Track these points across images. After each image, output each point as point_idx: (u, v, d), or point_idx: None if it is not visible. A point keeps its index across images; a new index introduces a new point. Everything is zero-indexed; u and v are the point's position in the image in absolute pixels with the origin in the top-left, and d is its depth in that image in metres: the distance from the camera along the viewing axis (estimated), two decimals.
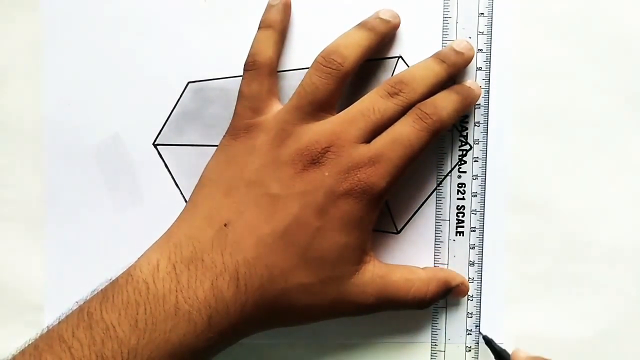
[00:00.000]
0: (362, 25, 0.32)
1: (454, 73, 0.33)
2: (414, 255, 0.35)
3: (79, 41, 0.34)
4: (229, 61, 0.34)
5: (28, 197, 0.35)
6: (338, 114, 0.31)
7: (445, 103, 0.31)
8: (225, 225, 0.30)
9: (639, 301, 0.35)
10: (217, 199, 0.31)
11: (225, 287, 0.28)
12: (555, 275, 0.35)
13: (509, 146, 0.35)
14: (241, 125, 0.32)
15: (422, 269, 0.34)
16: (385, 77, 0.34)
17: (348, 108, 0.31)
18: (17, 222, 0.35)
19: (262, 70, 0.32)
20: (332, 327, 0.34)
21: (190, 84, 0.35)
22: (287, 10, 0.34)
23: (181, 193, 0.35)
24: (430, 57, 0.33)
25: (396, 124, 0.31)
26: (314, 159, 0.30)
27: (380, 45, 0.33)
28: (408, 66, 0.34)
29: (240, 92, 0.32)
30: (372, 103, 0.31)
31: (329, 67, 0.31)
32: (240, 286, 0.29)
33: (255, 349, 0.35)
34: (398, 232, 0.35)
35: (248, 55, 0.33)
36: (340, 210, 0.30)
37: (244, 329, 0.30)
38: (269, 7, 0.34)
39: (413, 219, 0.35)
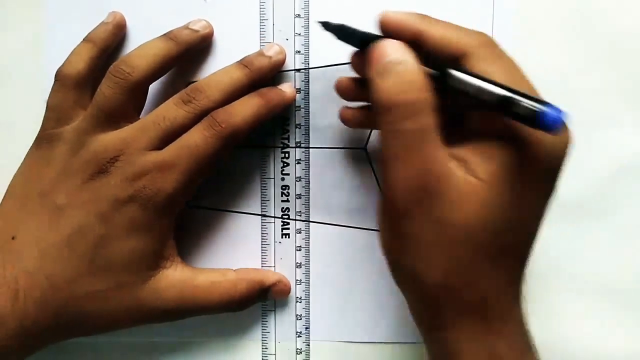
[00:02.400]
0: (165, 34, 0.33)
1: (258, 77, 0.32)
2: None
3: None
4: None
5: None
6: (134, 123, 0.31)
7: (241, 109, 0.31)
8: (12, 238, 0.30)
9: None
10: (12, 211, 0.31)
11: (3, 301, 0.28)
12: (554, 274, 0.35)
13: None
14: (44, 136, 0.32)
15: (235, 270, 0.33)
16: None
17: (145, 116, 0.31)
18: None
19: (67, 82, 0.32)
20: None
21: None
22: (116, 30, 0.34)
23: None
24: (235, 62, 0.33)
25: (189, 131, 0.30)
26: (102, 168, 0.30)
27: (185, 55, 0.33)
28: None
29: (47, 102, 0.33)
30: (163, 111, 0.31)
31: (117, 77, 0.31)
32: (19, 298, 0.29)
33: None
34: None
35: (60, 66, 0.33)
36: (126, 217, 0.30)
37: (33, 342, 0.30)
38: (101, 24, 0.34)
39: None
